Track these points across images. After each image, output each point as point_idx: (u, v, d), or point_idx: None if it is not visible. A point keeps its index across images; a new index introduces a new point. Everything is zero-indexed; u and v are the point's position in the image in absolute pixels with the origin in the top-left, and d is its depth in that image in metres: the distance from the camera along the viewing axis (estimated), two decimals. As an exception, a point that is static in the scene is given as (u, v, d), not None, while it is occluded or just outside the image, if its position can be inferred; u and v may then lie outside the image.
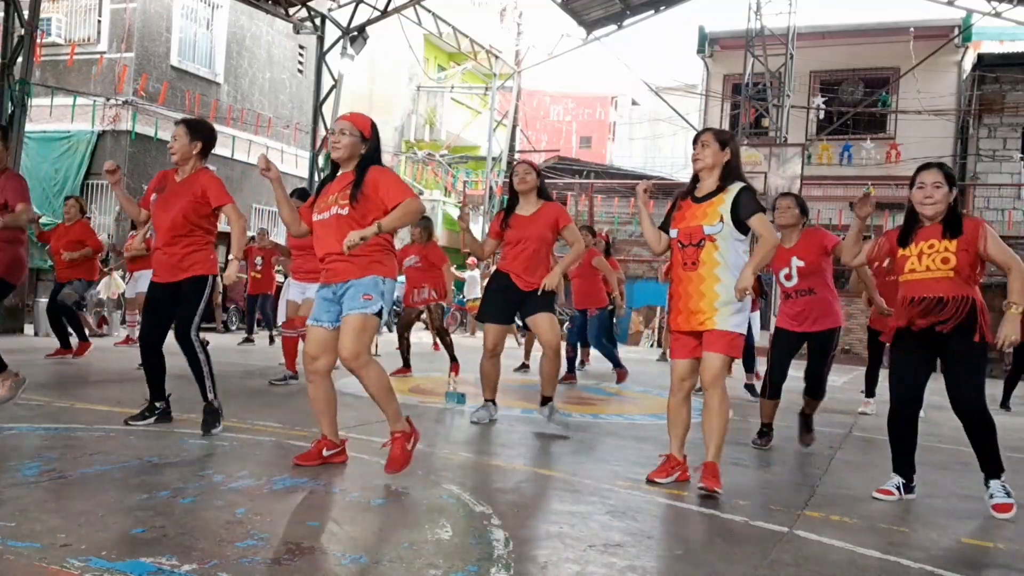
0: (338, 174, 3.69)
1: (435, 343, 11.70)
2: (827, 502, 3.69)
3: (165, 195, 4.43)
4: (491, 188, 20.83)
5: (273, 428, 4.67)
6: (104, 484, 3.19)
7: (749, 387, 8.06)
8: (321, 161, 15.58)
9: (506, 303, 5.23)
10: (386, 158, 23.97)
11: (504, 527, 2.93)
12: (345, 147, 3.60)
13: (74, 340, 8.13)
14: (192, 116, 14.50)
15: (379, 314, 3.53)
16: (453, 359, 7.93)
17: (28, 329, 10.98)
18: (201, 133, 4.47)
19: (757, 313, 9.14)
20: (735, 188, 3.70)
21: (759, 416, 5.12)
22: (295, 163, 15.97)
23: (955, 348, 3.59)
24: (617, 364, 8.36)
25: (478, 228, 22.36)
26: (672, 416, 3.87)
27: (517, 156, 23.78)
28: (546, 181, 5.44)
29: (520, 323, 6.74)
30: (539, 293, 5.08)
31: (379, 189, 3.52)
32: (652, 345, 18.03)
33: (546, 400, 5.39)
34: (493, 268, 5.73)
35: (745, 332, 3.75)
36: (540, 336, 5.17)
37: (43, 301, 10.94)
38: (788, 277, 4.91)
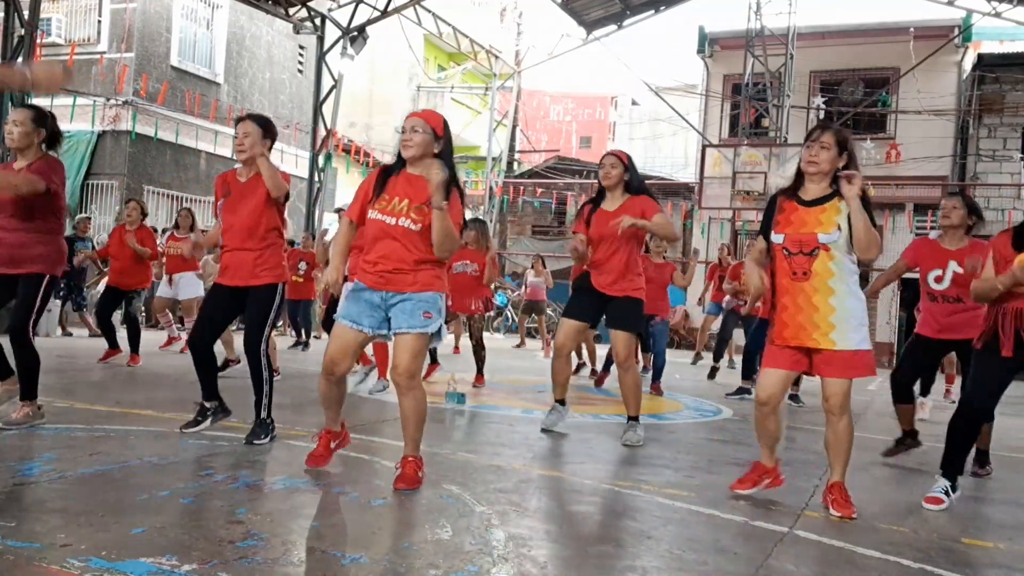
0: (403, 171, 3.48)
1: (456, 346, 11.59)
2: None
3: (233, 197, 4.22)
4: (491, 188, 20.83)
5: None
6: (104, 484, 3.19)
7: (744, 390, 8.04)
8: (321, 161, 15.59)
9: (589, 304, 4.93)
10: (386, 158, 23.99)
11: (504, 527, 2.93)
12: (418, 145, 3.40)
13: (113, 341, 7.94)
14: (192, 115, 14.56)
15: (438, 332, 3.43)
16: (480, 372, 7.74)
17: (28, 329, 10.96)
18: (272, 131, 4.26)
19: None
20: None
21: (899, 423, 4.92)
22: (295, 163, 15.97)
23: None
24: (658, 378, 8.15)
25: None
26: (760, 430, 3.62)
27: (517, 156, 23.81)
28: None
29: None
30: (622, 301, 4.78)
31: (452, 214, 3.37)
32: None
33: (632, 420, 4.96)
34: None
35: (870, 347, 3.46)
36: (616, 350, 4.90)
37: (43, 301, 10.94)
38: (939, 280, 4.62)
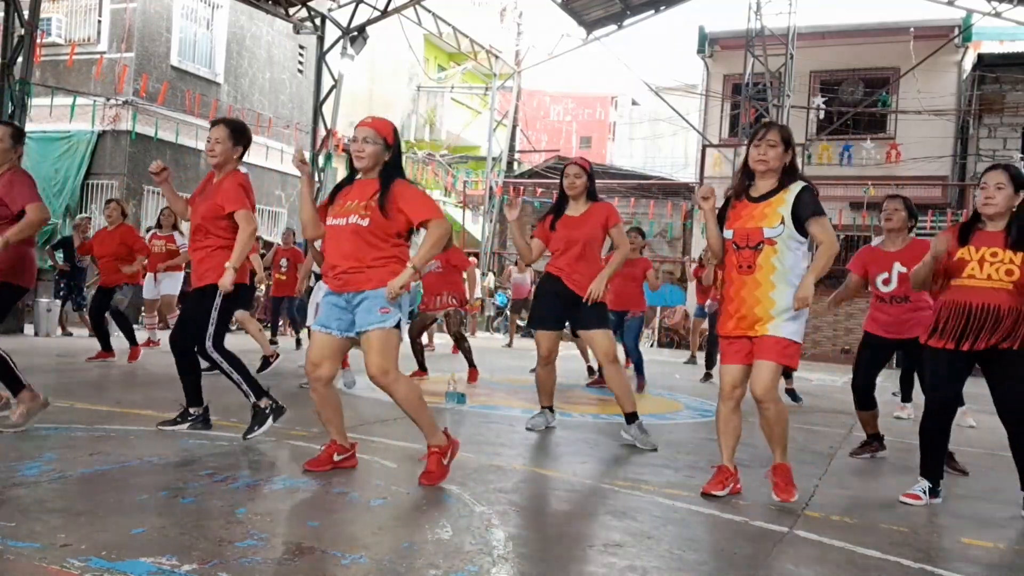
0: (357, 178, 3.59)
1: (455, 346, 11.56)
2: (827, 502, 3.69)
3: (199, 195, 4.38)
4: (491, 188, 20.83)
5: (274, 428, 4.66)
6: (104, 484, 3.19)
7: (790, 391, 8.00)
8: (321, 161, 15.59)
9: (558, 309, 4.97)
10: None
11: (504, 527, 2.93)
12: (369, 156, 3.48)
13: (106, 344, 8.01)
14: (192, 115, 14.55)
15: (398, 325, 3.46)
16: (471, 365, 7.85)
17: (28, 329, 10.98)
18: (243, 137, 4.37)
19: None
20: (796, 187, 3.51)
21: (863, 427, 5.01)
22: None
23: (1003, 357, 3.55)
24: (641, 373, 8.20)
25: (477, 228, 22.38)
26: (722, 425, 3.69)
27: (517, 156, 23.81)
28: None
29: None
30: (590, 304, 4.83)
31: (403, 204, 3.44)
32: (652, 345, 18.03)
33: (630, 417, 4.88)
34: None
35: (800, 340, 3.56)
36: (596, 351, 4.95)
37: (43, 301, 10.97)
38: (887, 282, 4.73)
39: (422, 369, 7.98)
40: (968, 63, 17.44)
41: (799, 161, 3.68)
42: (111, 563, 2.29)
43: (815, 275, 3.43)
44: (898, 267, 4.70)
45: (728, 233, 3.60)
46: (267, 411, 4.28)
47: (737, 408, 3.67)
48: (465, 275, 7.96)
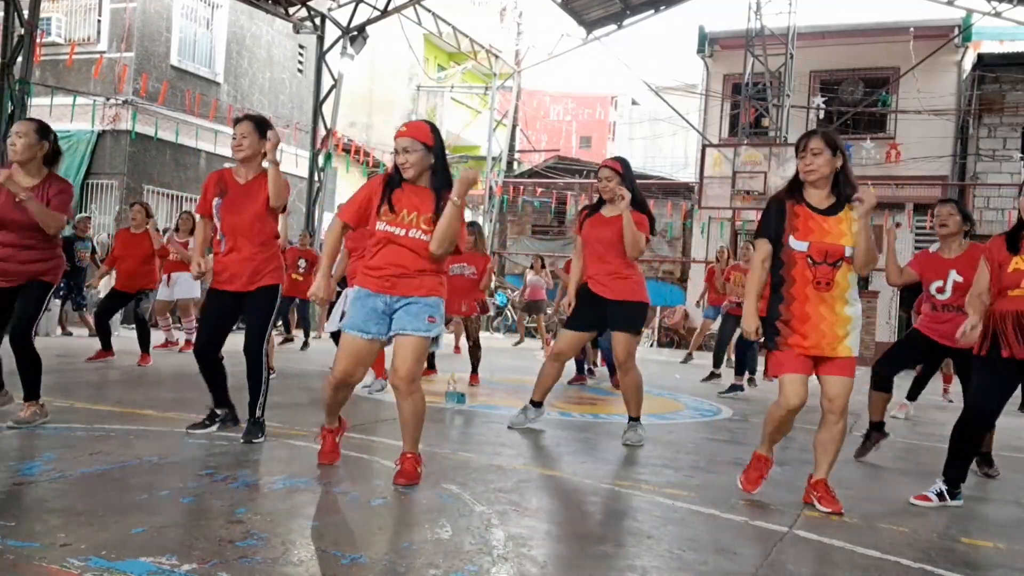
0: (405, 183, 3.49)
1: (456, 346, 11.66)
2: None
3: (231, 197, 4.21)
4: (491, 188, 20.83)
5: (273, 428, 4.66)
6: (104, 484, 3.19)
7: (736, 387, 8.07)
8: (321, 161, 15.58)
9: (590, 315, 4.92)
10: (386, 157, 23.98)
11: (504, 527, 2.93)
12: (414, 165, 3.42)
13: (107, 343, 7.95)
14: (192, 115, 14.55)
15: (436, 339, 3.47)
16: (475, 370, 7.82)
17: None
18: (269, 130, 4.27)
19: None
20: (858, 205, 3.40)
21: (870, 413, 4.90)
22: (295, 163, 15.96)
23: None
24: (615, 372, 8.20)
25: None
26: (778, 427, 3.63)
27: (517, 156, 23.80)
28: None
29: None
30: (622, 304, 4.79)
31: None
32: (652, 345, 18.03)
33: (632, 419, 4.94)
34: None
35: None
36: (615, 351, 4.92)
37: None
38: (941, 290, 4.60)
39: (431, 367, 7.95)
40: (968, 63, 17.44)
41: (849, 166, 3.60)
42: (111, 563, 2.29)
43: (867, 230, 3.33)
44: (954, 275, 4.56)
45: (802, 245, 3.42)
46: (264, 426, 4.27)
47: (794, 414, 3.58)
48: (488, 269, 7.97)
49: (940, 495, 3.71)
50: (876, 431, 4.87)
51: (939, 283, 4.61)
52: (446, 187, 3.45)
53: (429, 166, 3.48)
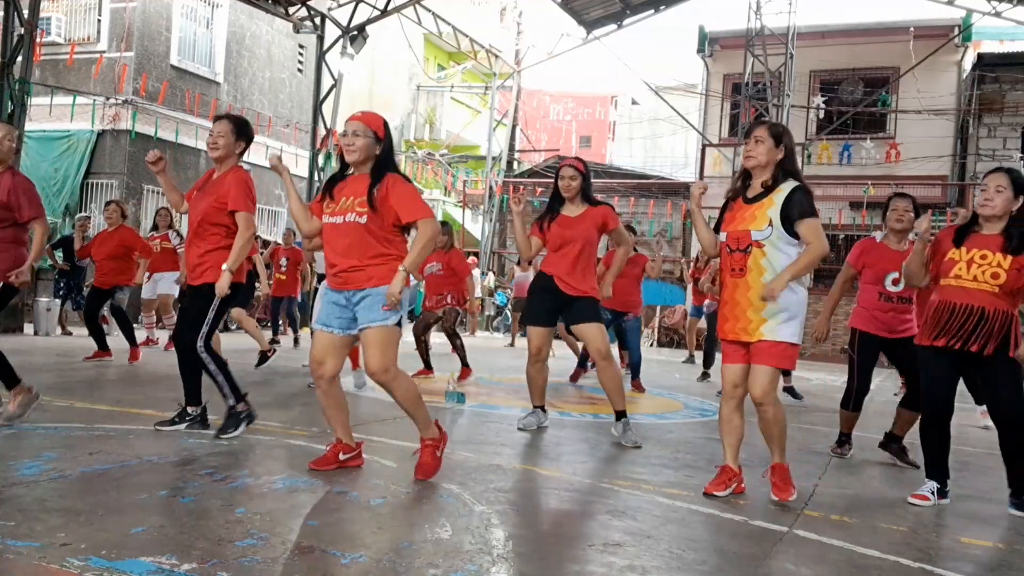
0: (349, 173, 3.57)
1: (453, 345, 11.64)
2: (827, 502, 3.69)
3: (199, 192, 4.32)
4: (491, 187, 20.83)
5: (273, 428, 4.66)
6: (104, 483, 3.19)
7: (789, 389, 8.00)
8: (321, 160, 15.59)
9: (550, 306, 4.96)
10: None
11: (504, 527, 2.93)
12: (360, 149, 3.46)
13: (103, 343, 8.03)
14: (192, 114, 14.55)
15: (399, 323, 3.48)
16: (464, 364, 7.91)
17: (28, 328, 10.97)
18: (245, 132, 4.35)
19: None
20: (787, 187, 3.48)
21: (839, 425, 5.03)
22: (295, 162, 15.96)
23: (992, 359, 3.57)
24: (637, 375, 8.17)
25: (477, 228, 22.37)
26: (724, 424, 3.69)
27: (517, 156, 23.80)
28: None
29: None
30: (583, 299, 4.86)
31: (393, 201, 3.42)
32: (652, 344, 18.03)
33: (619, 415, 4.98)
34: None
35: (799, 342, 3.55)
36: (589, 346, 4.96)
37: (43, 300, 10.96)
38: (896, 282, 4.67)
39: (428, 368, 8.04)
40: (968, 63, 17.44)
41: (799, 160, 3.64)
42: (111, 562, 2.29)
43: (791, 272, 3.41)
44: None
45: (722, 236, 3.62)
46: (242, 415, 4.28)
47: (739, 407, 3.67)
48: (468, 279, 8.04)
49: (934, 493, 3.75)
50: (848, 440, 5.05)
51: (895, 275, 4.68)
52: (385, 170, 3.48)
53: (373, 156, 3.51)
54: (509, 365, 10.18)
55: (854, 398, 4.87)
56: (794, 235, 3.47)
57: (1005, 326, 3.56)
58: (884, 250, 4.81)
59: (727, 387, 3.66)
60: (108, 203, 8.38)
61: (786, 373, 7.93)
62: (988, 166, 17.10)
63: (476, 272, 16.52)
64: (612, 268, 5.03)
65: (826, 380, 11.17)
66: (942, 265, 3.71)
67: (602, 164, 22.96)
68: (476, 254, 19.64)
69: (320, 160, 15.60)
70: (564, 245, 4.90)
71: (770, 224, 3.45)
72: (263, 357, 7.58)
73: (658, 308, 18.13)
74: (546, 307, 4.99)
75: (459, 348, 8.04)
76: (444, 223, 8.21)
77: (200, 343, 4.24)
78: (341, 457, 3.68)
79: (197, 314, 4.26)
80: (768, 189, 3.53)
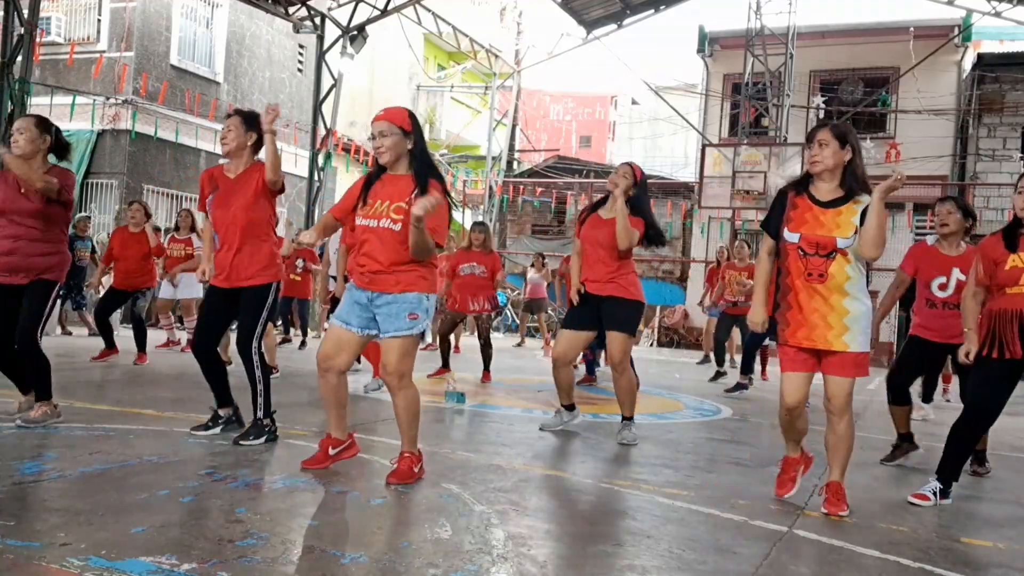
0: (384, 173, 3.50)
1: (456, 345, 11.65)
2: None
3: (222, 193, 4.18)
4: (491, 187, 20.83)
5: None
6: (104, 483, 3.19)
7: (741, 386, 8.06)
8: (321, 160, 15.59)
9: (585, 311, 4.92)
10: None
11: (504, 526, 2.93)
12: (390, 149, 3.41)
13: (110, 341, 7.98)
14: (192, 114, 14.55)
15: (423, 335, 3.46)
16: (487, 368, 7.90)
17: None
18: (256, 124, 4.26)
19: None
20: (866, 200, 3.33)
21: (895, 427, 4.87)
22: (295, 162, 15.97)
23: None
24: (592, 371, 8.25)
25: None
26: (787, 429, 3.63)
27: (517, 156, 23.80)
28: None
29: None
30: (615, 302, 4.82)
31: (429, 219, 3.32)
32: (652, 344, 18.03)
33: (625, 420, 5.00)
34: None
35: (869, 350, 3.46)
36: (609, 351, 4.94)
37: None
38: (943, 287, 4.56)
39: (446, 366, 7.92)
40: (968, 63, 17.44)
41: (860, 161, 3.56)
42: (111, 562, 2.29)
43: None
44: (957, 273, 4.51)
45: (793, 237, 3.41)
46: (267, 429, 4.19)
47: (801, 415, 3.56)
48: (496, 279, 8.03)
49: (935, 494, 3.72)
50: (906, 442, 4.84)
51: (942, 279, 4.56)
52: (428, 175, 3.42)
53: (407, 151, 3.46)
54: (510, 365, 10.18)
55: (891, 393, 4.76)
56: None
57: None
58: (934, 254, 4.67)
59: (787, 397, 3.50)
60: (132, 202, 8.28)
61: (745, 371, 8.01)
62: (988, 166, 17.12)
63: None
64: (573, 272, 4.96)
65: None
66: (1003, 274, 3.58)
67: (602, 164, 22.96)
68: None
69: (320, 160, 15.60)
70: (587, 246, 4.90)
71: (855, 232, 3.33)
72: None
73: (658, 308, 18.14)
74: (582, 312, 4.93)
75: (488, 357, 7.97)
76: (483, 223, 8.19)
77: (256, 344, 4.17)
78: (331, 452, 3.66)
79: (255, 316, 4.16)
80: (847, 195, 3.39)
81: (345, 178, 17.48)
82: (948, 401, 8.28)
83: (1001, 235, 3.69)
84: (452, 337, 8.22)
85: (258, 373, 4.17)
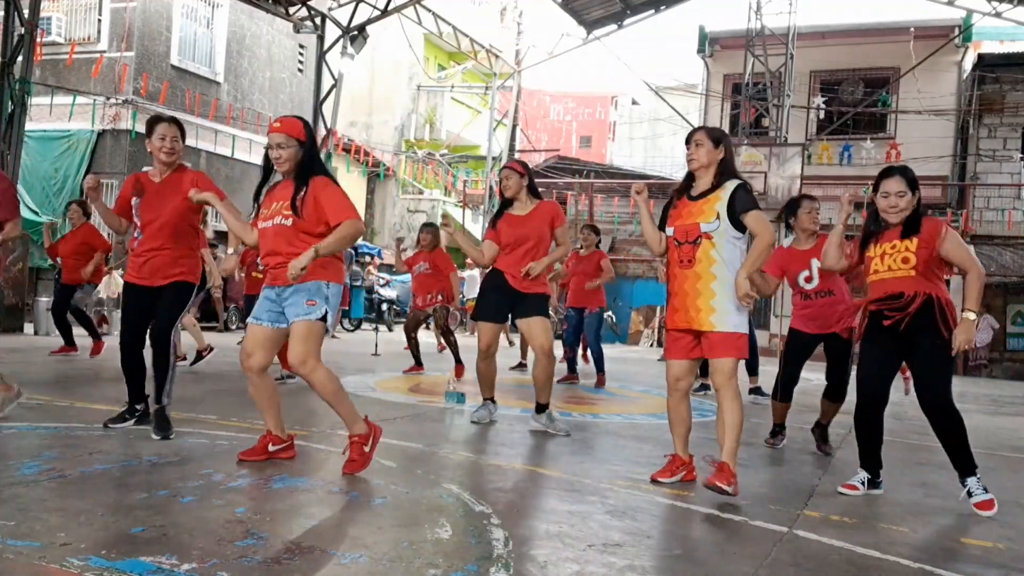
0: (281, 180, 3.73)
1: (439, 344, 11.86)
2: (827, 502, 3.69)
3: (148, 197, 4.30)
4: (491, 187, 20.83)
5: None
6: (104, 483, 3.19)
7: (755, 390, 8.01)
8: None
9: (500, 302, 5.16)
10: (387, 157, 24.00)
11: (504, 527, 2.93)
12: (288, 160, 3.61)
13: (69, 339, 8.24)
14: (190, 115, 14.55)
15: (323, 318, 3.56)
16: (457, 360, 8.06)
17: (28, 328, 10.98)
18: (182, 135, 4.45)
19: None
20: (731, 185, 3.69)
21: (771, 417, 5.16)
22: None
23: (920, 345, 3.66)
24: (601, 369, 8.31)
25: (478, 228, 22.38)
26: (672, 415, 3.87)
27: (517, 156, 23.81)
28: (536, 180, 5.31)
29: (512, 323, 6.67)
30: (533, 296, 5.04)
31: (320, 204, 3.55)
32: (652, 344, 18.03)
33: (542, 407, 5.17)
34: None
35: (747, 330, 3.71)
36: (532, 340, 5.05)
37: (43, 300, 10.96)
38: (808, 279, 4.89)
39: (418, 364, 8.26)
40: (968, 63, 17.44)
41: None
42: (111, 562, 2.29)
43: (748, 267, 3.59)
44: (815, 263, 4.84)
45: (669, 231, 3.80)
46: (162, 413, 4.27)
47: (684, 397, 3.83)
48: (452, 275, 8.28)
49: (863, 483, 3.86)
50: (782, 430, 5.19)
51: (805, 272, 4.89)
52: (309, 176, 3.60)
53: (300, 160, 3.65)
54: (504, 364, 10.17)
55: (782, 390, 5.07)
56: (739, 228, 3.66)
57: (929, 306, 3.64)
58: (792, 252, 5.01)
59: (671, 380, 3.81)
60: (70, 203, 8.68)
61: (752, 372, 7.97)
62: (988, 166, 17.11)
63: (476, 272, 16.52)
64: (548, 256, 5.07)
65: (824, 381, 11.14)
66: (864, 269, 3.91)
67: (602, 164, 22.97)
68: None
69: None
70: (518, 244, 5.07)
71: (717, 217, 3.64)
72: (198, 356, 7.80)
73: (658, 308, 18.14)
74: (497, 304, 5.18)
75: (452, 345, 8.24)
76: (431, 224, 8.44)
77: (174, 336, 4.29)
78: (271, 448, 3.75)
79: (173, 314, 4.29)
80: (713, 187, 3.72)
81: (345, 178, 17.48)
82: (907, 394, 8.25)
83: (859, 241, 3.97)
84: (439, 337, 8.51)
85: (170, 363, 4.27)
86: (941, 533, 3.32)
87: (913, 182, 3.76)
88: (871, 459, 3.88)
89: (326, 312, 3.56)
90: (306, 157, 3.65)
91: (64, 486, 3.13)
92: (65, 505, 2.85)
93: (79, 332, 8.35)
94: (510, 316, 5.36)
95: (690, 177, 3.84)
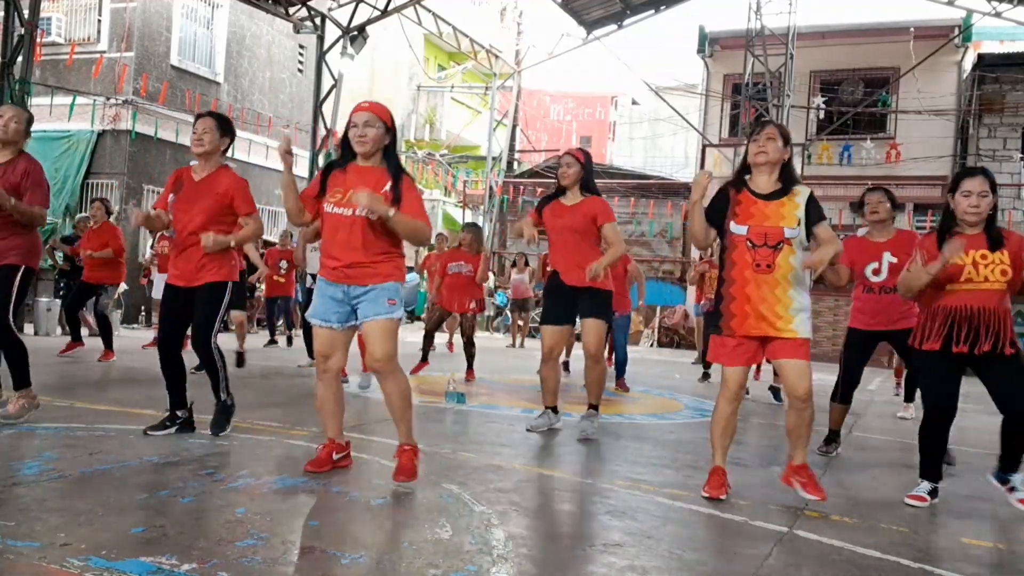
0: (351, 164, 3.49)
1: (450, 343, 11.91)
2: (827, 502, 3.68)
3: (184, 194, 4.24)
4: (491, 187, 20.83)
5: (274, 428, 4.67)
6: (104, 483, 3.19)
7: (775, 389, 7.97)
8: (321, 161, 15.59)
9: (559, 304, 4.98)
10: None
11: (504, 527, 2.93)
12: (372, 140, 3.42)
13: (76, 335, 8.26)
14: (192, 114, 14.55)
15: (400, 319, 3.50)
16: (470, 367, 8.00)
17: (28, 328, 10.97)
18: (230, 129, 4.33)
19: None
20: (805, 191, 3.55)
21: (827, 422, 4.96)
22: (295, 163, 15.97)
23: (997, 359, 3.57)
24: (621, 373, 8.17)
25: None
26: (723, 426, 3.67)
27: (517, 156, 23.81)
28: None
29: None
30: (591, 292, 4.85)
31: (407, 206, 3.39)
32: (652, 344, 18.03)
33: (592, 408, 5.05)
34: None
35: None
36: (584, 340, 4.94)
37: (43, 300, 10.97)
38: (877, 272, 4.75)
39: (425, 360, 8.12)
40: (968, 63, 17.43)
41: (797, 161, 3.69)
42: (111, 562, 2.29)
43: (833, 251, 3.41)
44: (888, 257, 4.71)
45: (741, 229, 3.53)
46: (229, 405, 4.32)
47: (738, 410, 3.67)
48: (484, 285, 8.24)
49: (929, 493, 3.76)
50: (837, 437, 5.00)
51: (874, 264, 4.74)
52: (402, 171, 3.50)
53: (384, 147, 3.50)
54: (510, 365, 10.18)
55: (842, 391, 4.91)
56: (807, 237, 3.53)
57: (1006, 324, 3.59)
58: (865, 243, 4.86)
59: (732, 389, 3.59)
60: (93, 200, 8.63)
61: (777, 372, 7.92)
62: (988, 166, 17.09)
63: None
64: (606, 256, 4.84)
65: (827, 380, 11.15)
66: (947, 271, 3.66)
67: (602, 164, 22.93)
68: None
69: (320, 161, 15.60)
70: (560, 237, 4.91)
71: (799, 224, 3.49)
72: (239, 358, 7.77)
73: (658, 308, 18.14)
74: (559, 305, 4.99)
75: (472, 355, 8.07)
76: (474, 224, 8.26)
77: (213, 340, 4.24)
78: (334, 457, 3.64)
79: (210, 315, 4.22)
80: (782, 189, 3.54)
81: (345, 178, 17.45)
82: (896, 395, 8.24)
83: (935, 235, 3.82)
84: (453, 336, 8.36)
85: (218, 363, 4.27)
86: (941, 533, 3.32)
87: (995, 184, 3.66)
88: (935, 471, 3.79)
89: (403, 313, 3.51)
90: (391, 145, 3.51)
91: (64, 486, 3.13)
92: (65, 505, 2.85)
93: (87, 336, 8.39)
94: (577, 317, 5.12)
95: (746, 171, 3.65)
